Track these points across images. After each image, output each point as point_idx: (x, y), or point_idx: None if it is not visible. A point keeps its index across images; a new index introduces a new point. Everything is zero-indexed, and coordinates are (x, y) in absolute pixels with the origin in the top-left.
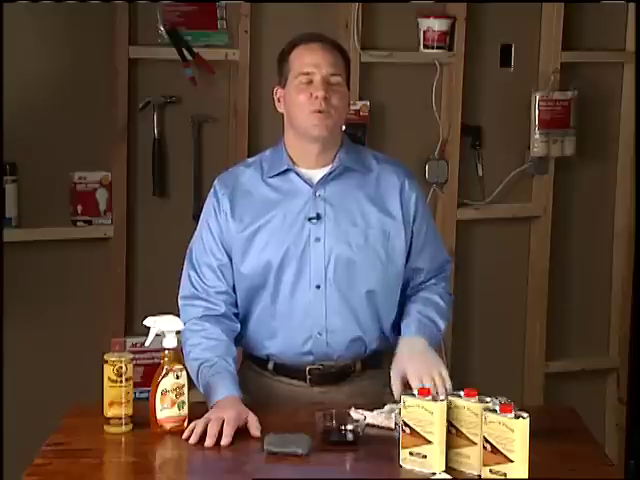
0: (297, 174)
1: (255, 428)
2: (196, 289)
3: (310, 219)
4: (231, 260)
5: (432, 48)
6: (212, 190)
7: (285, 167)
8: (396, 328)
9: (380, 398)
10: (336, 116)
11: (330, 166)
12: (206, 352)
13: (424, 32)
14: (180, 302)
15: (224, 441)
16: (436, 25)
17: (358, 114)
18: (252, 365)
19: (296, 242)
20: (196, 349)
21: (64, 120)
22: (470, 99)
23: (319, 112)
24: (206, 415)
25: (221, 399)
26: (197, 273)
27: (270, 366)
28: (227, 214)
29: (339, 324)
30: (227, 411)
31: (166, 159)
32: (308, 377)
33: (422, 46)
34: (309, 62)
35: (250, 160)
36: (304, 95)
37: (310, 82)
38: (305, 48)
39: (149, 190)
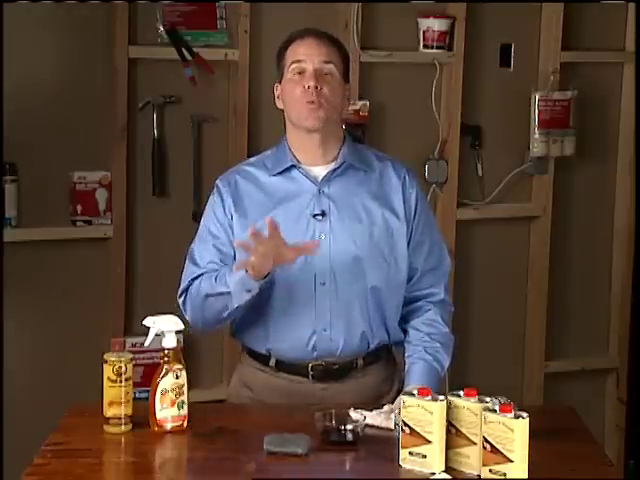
0: (301, 171)
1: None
2: (196, 279)
3: (315, 216)
4: (235, 257)
5: (432, 48)
6: (215, 189)
7: (289, 163)
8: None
9: (379, 393)
10: (328, 107)
11: (334, 163)
12: (212, 275)
13: (424, 32)
14: (180, 299)
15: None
16: (436, 25)
17: (358, 114)
18: (252, 361)
19: (302, 239)
20: (203, 281)
21: (64, 120)
22: (470, 99)
23: (311, 103)
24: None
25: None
26: (199, 267)
27: (272, 362)
28: (232, 212)
29: (344, 320)
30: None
31: (166, 159)
32: (311, 373)
33: (422, 46)
34: (302, 52)
35: (252, 160)
36: (298, 88)
37: (302, 73)
38: (299, 41)
39: (149, 190)
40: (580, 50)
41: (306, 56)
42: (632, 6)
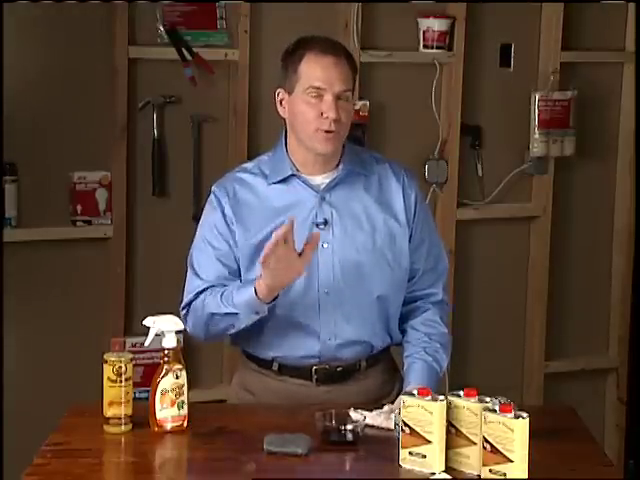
0: (301, 180)
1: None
2: (200, 293)
3: (317, 224)
4: (239, 267)
5: (432, 48)
6: (212, 197)
7: (289, 173)
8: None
9: (381, 394)
10: (343, 134)
11: (335, 171)
12: (218, 292)
13: (424, 32)
14: (182, 311)
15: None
16: (436, 25)
17: (358, 114)
18: (253, 365)
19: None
20: (208, 298)
21: (64, 120)
22: (470, 99)
23: (327, 132)
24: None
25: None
26: (202, 280)
27: (275, 367)
28: (233, 221)
29: (349, 329)
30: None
31: (166, 159)
32: (314, 377)
33: (422, 46)
34: (321, 77)
35: (248, 166)
36: (313, 112)
37: (320, 97)
38: (318, 60)
39: (149, 190)
40: (580, 50)
41: (326, 83)
42: (632, 6)
